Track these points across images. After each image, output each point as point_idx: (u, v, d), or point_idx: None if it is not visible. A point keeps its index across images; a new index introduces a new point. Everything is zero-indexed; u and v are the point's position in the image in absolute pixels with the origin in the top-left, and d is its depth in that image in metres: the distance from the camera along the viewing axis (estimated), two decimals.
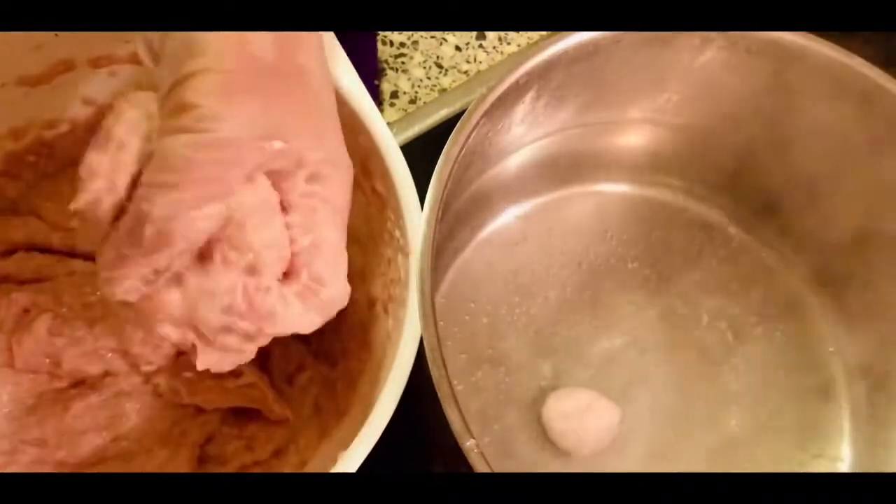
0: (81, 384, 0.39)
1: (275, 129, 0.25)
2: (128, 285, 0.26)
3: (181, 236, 0.24)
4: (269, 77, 0.25)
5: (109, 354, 0.39)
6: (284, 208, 0.27)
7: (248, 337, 0.27)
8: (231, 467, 0.39)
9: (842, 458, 0.44)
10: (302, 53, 0.26)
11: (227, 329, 0.26)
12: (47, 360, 0.38)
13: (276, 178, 0.26)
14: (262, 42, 0.25)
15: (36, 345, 0.38)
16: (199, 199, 0.24)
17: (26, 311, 0.39)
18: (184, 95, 0.24)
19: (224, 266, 0.26)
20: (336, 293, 0.28)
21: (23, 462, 0.37)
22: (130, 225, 0.25)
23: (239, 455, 0.39)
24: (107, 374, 0.39)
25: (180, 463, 0.38)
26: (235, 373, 0.39)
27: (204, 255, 0.26)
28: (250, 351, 0.28)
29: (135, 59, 0.39)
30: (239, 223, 0.25)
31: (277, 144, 0.25)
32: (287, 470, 0.39)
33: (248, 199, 0.25)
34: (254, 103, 0.24)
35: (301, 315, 0.27)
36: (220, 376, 0.39)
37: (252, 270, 0.26)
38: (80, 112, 0.40)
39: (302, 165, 0.26)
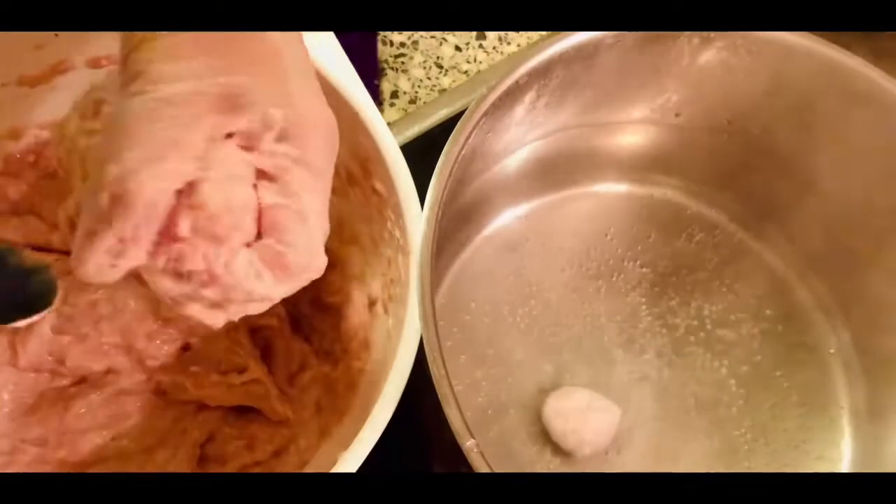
0: (83, 382, 0.39)
1: (230, 87, 0.24)
2: (95, 261, 0.24)
3: (138, 197, 0.23)
4: (218, 39, 0.24)
5: (114, 351, 0.39)
6: (259, 174, 0.25)
7: (216, 305, 0.25)
8: (231, 467, 0.39)
9: (842, 459, 0.44)
10: None
11: (191, 297, 0.25)
12: (51, 359, 0.38)
13: (244, 141, 0.25)
14: None
15: (40, 344, 0.38)
16: (153, 158, 0.23)
17: None
18: (134, 64, 0.24)
19: (192, 234, 0.24)
20: (304, 260, 0.26)
21: (23, 461, 0.37)
22: (89, 193, 0.23)
23: (239, 455, 0.39)
24: (110, 370, 0.39)
25: (180, 462, 0.38)
26: (240, 368, 0.39)
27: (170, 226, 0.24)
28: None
29: None
30: (202, 187, 0.24)
31: (234, 99, 0.24)
32: (287, 470, 0.39)
33: (212, 162, 0.24)
34: (203, 60, 0.24)
35: (269, 284, 0.25)
36: (225, 372, 0.39)
37: (216, 239, 0.24)
38: None
39: (268, 125, 0.25)
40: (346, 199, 0.39)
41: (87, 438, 0.37)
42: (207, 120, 0.24)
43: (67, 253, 0.41)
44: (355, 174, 0.38)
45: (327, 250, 0.41)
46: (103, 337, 0.39)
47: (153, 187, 0.23)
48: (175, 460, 0.38)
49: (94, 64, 0.39)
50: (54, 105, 0.40)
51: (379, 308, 0.39)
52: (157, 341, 0.39)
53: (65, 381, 0.39)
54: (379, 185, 0.36)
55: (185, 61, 0.24)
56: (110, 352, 0.39)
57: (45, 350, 0.38)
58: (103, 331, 0.39)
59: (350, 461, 0.29)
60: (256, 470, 0.39)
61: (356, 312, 0.41)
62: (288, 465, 0.39)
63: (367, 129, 0.35)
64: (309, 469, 0.39)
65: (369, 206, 0.38)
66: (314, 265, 0.26)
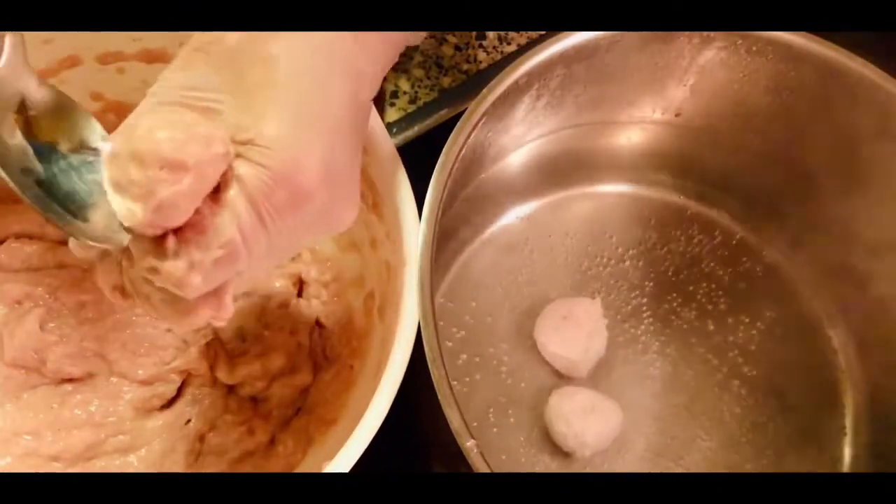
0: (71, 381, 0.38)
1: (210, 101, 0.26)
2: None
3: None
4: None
5: (93, 358, 0.38)
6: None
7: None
8: (232, 454, 0.38)
9: (842, 458, 0.44)
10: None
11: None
12: (35, 357, 0.37)
13: None
14: None
15: (27, 338, 0.37)
16: None
17: (18, 302, 0.39)
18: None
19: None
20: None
21: (16, 454, 0.36)
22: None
23: (243, 441, 0.39)
24: (90, 375, 0.38)
25: (177, 457, 0.37)
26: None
27: None
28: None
29: (143, 57, 0.39)
30: None
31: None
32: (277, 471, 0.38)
33: None
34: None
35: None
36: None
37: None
38: (88, 107, 0.40)
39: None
40: None
41: (81, 434, 0.37)
42: None
43: (60, 244, 0.41)
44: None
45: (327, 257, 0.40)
46: (83, 341, 0.38)
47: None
48: (172, 455, 0.37)
49: (102, 61, 0.39)
50: None
51: (375, 313, 0.39)
52: (129, 354, 0.38)
53: (46, 380, 0.38)
54: (377, 189, 0.36)
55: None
56: (89, 357, 0.38)
57: (31, 346, 0.37)
58: (84, 334, 0.38)
59: (338, 467, 0.29)
60: (255, 458, 0.39)
61: (352, 318, 0.41)
62: (277, 468, 0.39)
63: (368, 137, 0.35)
64: (304, 466, 0.39)
65: (367, 210, 0.38)
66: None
